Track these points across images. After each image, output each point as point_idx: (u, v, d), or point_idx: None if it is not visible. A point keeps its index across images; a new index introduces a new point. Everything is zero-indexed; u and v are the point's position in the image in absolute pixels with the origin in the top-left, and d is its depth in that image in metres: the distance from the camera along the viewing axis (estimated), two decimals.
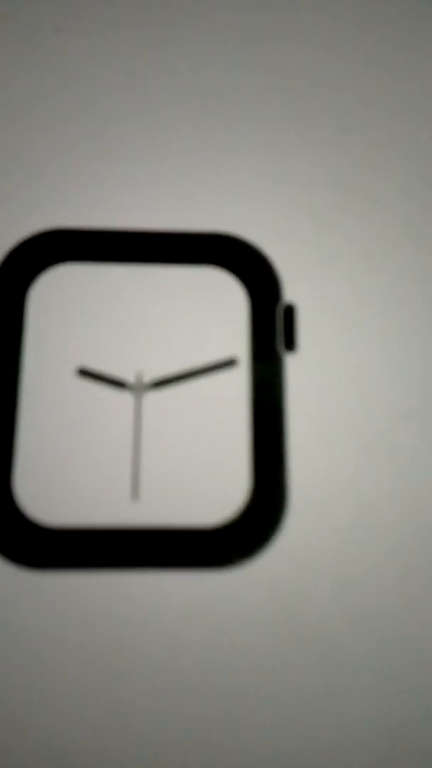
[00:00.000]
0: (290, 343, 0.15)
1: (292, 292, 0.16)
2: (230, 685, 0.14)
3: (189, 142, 0.17)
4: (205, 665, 0.14)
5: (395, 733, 0.14)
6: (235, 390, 0.15)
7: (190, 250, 0.16)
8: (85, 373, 0.15)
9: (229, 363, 0.15)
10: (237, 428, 0.15)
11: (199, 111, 0.17)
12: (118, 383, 0.15)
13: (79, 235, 0.16)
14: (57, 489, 0.14)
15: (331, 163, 0.17)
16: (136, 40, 0.18)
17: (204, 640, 0.14)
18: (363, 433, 0.15)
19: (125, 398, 0.15)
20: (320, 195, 0.17)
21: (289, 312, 0.16)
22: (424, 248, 0.17)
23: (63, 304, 0.16)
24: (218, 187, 0.17)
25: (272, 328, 0.15)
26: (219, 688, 0.14)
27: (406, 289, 0.16)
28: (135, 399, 0.15)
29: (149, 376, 0.15)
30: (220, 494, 0.15)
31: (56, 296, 0.16)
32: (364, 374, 0.16)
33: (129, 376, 0.15)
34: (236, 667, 0.14)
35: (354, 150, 0.17)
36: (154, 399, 0.15)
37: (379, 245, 0.16)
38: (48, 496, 0.14)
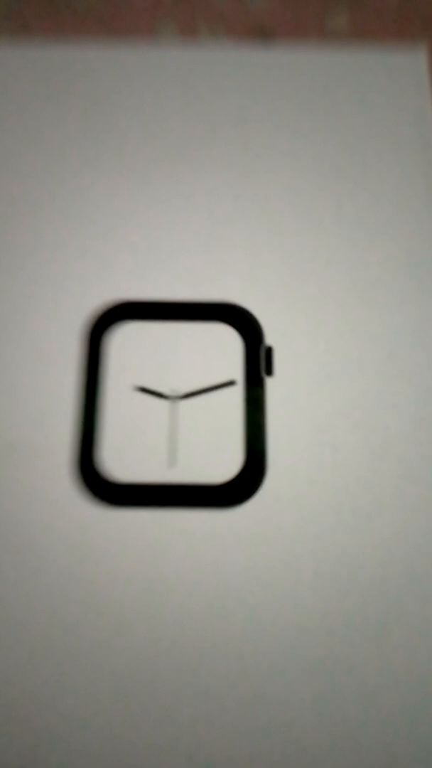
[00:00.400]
0: (269, 371, 0.24)
1: (270, 338, 0.25)
2: (227, 575, 0.22)
3: (206, 243, 0.26)
4: (213, 568, 0.22)
5: (351, 634, 0.22)
6: (234, 400, 0.24)
7: (207, 313, 0.25)
8: (141, 389, 0.24)
9: (231, 383, 0.24)
10: (235, 424, 0.24)
11: (209, 225, 0.27)
12: (161, 395, 0.24)
13: (137, 304, 0.25)
14: (125, 459, 0.23)
15: (297, 261, 0.26)
16: (162, 183, 0.27)
17: (214, 552, 0.22)
18: (315, 428, 0.24)
19: (165, 405, 0.24)
20: (292, 278, 0.26)
21: (268, 352, 0.25)
22: (362, 307, 0.26)
23: (125, 346, 0.25)
24: (227, 269, 0.26)
25: (257, 362, 0.24)
26: (220, 578, 0.22)
27: (349, 335, 0.25)
28: (172, 405, 0.24)
29: (181, 390, 0.24)
30: (225, 464, 0.23)
31: (121, 341, 0.25)
32: (316, 389, 0.24)
33: (168, 391, 0.24)
34: (233, 569, 0.22)
35: (313, 251, 0.26)
36: (184, 405, 0.24)
37: (329, 312, 0.26)
38: (119, 464, 0.23)
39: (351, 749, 0.21)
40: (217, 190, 0.27)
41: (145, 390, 0.24)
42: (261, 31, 0.36)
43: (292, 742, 0.21)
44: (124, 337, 0.25)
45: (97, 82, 0.29)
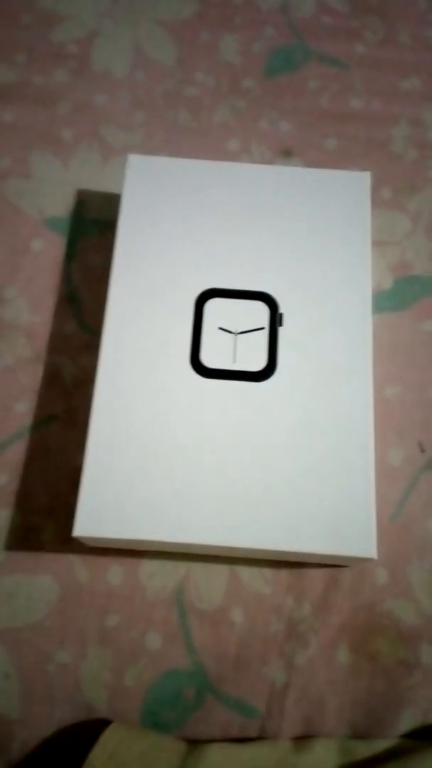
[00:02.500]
0: (281, 324, 0.52)
1: (283, 308, 0.53)
2: (257, 409, 0.50)
3: (252, 263, 0.54)
4: (252, 407, 0.50)
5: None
6: (263, 336, 0.52)
7: (252, 296, 0.53)
8: (220, 328, 0.52)
9: (262, 328, 0.52)
10: (263, 346, 0.51)
11: (254, 255, 0.55)
12: (229, 332, 0.52)
13: (219, 290, 0.53)
14: (212, 359, 0.51)
15: (288, 277, 0.54)
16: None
17: (251, 400, 0.50)
18: (299, 347, 0.51)
19: (232, 337, 0.52)
20: (288, 283, 0.54)
21: (280, 315, 0.52)
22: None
23: (214, 309, 0.52)
24: (263, 275, 0.54)
25: (275, 319, 0.52)
26: (255, 411, 0.50)
27: (309, 310, 0.53)
28: (235, 337, 0.52)
29: (240, 330, 0.52)
30: (258, 363, 0.51)
31: (212, 306, 0.53)
32: (302, 333, 0.52)
33: (233, 329, 0.52)
34: (260, 407, 0.50)
35: (294, 276, 0.54)
36: (241, 337, 0.52)
37: (304, 298, 0.53)
38: (210, 360, 0.51)
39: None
40: (257, 240, 0.55)
41: (222, 329, 0.52)
42: (285, 151, 0.65)
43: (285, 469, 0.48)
44: (213, 304, 0.53)
45: (199, 183, 0.57)
